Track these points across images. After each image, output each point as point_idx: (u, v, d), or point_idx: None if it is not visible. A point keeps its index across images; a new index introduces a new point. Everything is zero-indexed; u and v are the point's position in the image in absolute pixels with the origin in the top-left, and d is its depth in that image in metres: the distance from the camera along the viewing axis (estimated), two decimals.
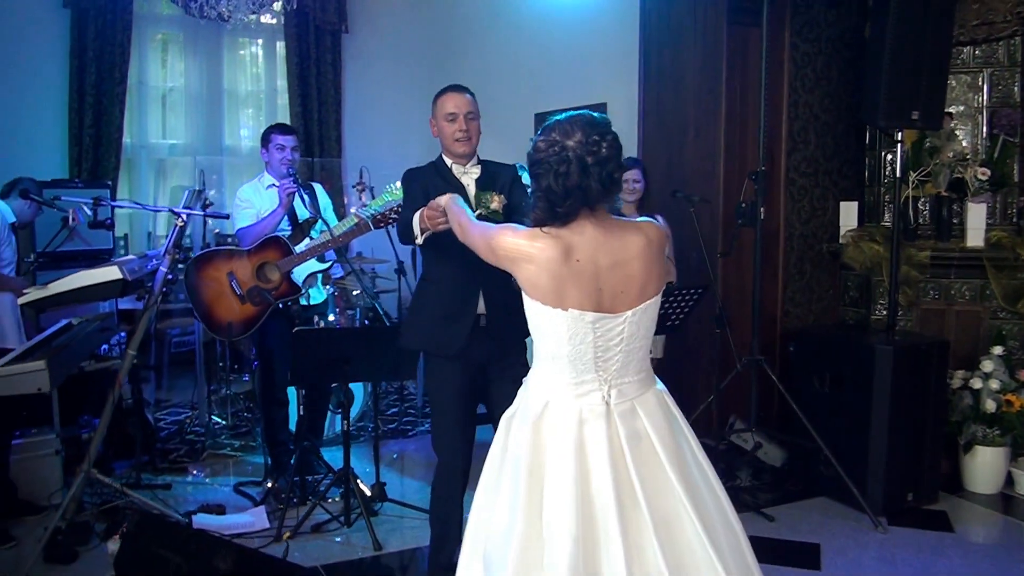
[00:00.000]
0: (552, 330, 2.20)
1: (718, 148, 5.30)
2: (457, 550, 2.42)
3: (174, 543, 3.21)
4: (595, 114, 2.24)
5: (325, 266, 4.65)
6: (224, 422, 5.85)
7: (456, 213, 2.66)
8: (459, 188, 3.28)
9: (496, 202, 3.20)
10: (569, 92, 6.58)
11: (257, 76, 8.42)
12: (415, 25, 8.43)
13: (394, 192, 4.13)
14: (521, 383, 2.39)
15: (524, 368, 2.53)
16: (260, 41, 8.38)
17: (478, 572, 2.21)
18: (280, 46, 8.26)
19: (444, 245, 3.05)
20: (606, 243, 2.20)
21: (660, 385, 2.36)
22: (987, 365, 4.82)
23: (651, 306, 2.26)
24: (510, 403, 2.38)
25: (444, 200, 2.82)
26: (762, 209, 4.61)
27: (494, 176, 3.41)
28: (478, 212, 3.14)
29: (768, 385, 4.65)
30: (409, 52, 8.41)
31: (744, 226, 4.72)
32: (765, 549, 4.05)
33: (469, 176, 3.36)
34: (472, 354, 3.27)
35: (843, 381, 4.61)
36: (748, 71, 5.04)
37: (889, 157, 5.30)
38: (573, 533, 2.05)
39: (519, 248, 2.19)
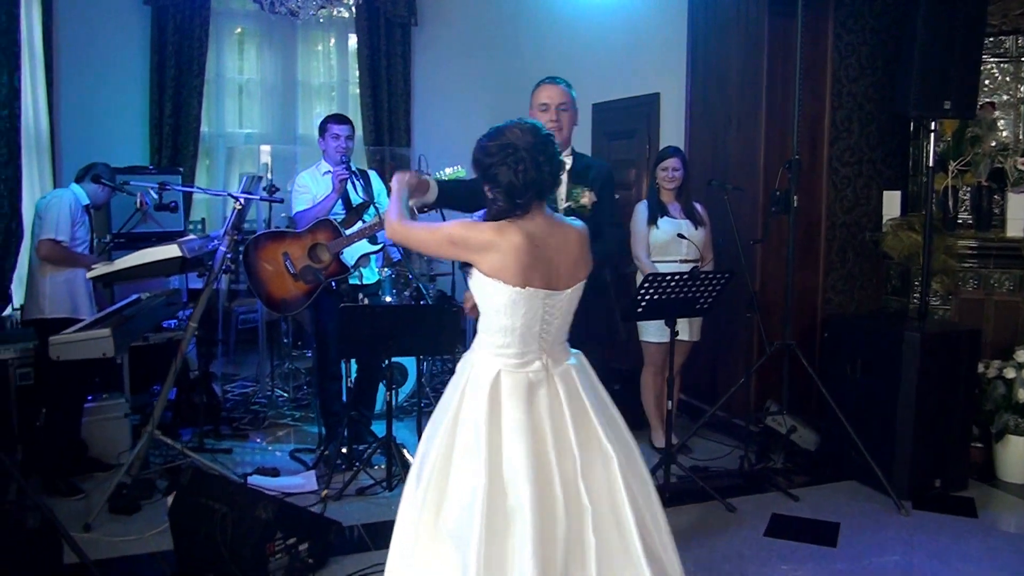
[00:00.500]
0: (509, 306, 2.48)
1: (759, 138, 5.41)
2: None
3: (222, 495, 3.52)
4: (528, 120, 2.58)
5: (376, 248, 4.93)
6: (286, 395, 6.21)
7: (393, 202, 2.79)
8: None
9: (587, 198, 3.27)
10: (623, 84, 6.77)
11: (330, 68, 8.73)
12: (480, 19, 8.63)
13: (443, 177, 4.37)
14: None
15: None
16: (332, 34, 8.69)
17: (449, 549, 2.37)
18: (352, 39, 8.55)
19: None
20: (552, 230, 2.54)
21: (574, 351, 2.70)
22: (1021, 355, 4.85)
23: (582, 286, 2.62)
24: None
25: (402, 178, 2.89)
26: (795, 197, 4.73)
27: (586, 169, 3.52)
28: (567, 204, 3.22)
29: (804, 370, 4.76)
30: (474, 45, 8.62)
31: (779, 214, 4.85)
32: (784, 526, 4.20)
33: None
34: None
35: (873, 367, 4.70)
36: (790, 63, 5.14)
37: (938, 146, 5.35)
38: (531, 477, 2.33)
39: (488, 240, 2.44)
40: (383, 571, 2.52)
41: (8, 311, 5.32)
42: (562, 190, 3.33)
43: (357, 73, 8.52)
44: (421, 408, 5.22)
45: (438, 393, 6.18)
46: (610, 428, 2.54)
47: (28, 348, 4.73)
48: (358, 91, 8.54)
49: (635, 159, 6.79)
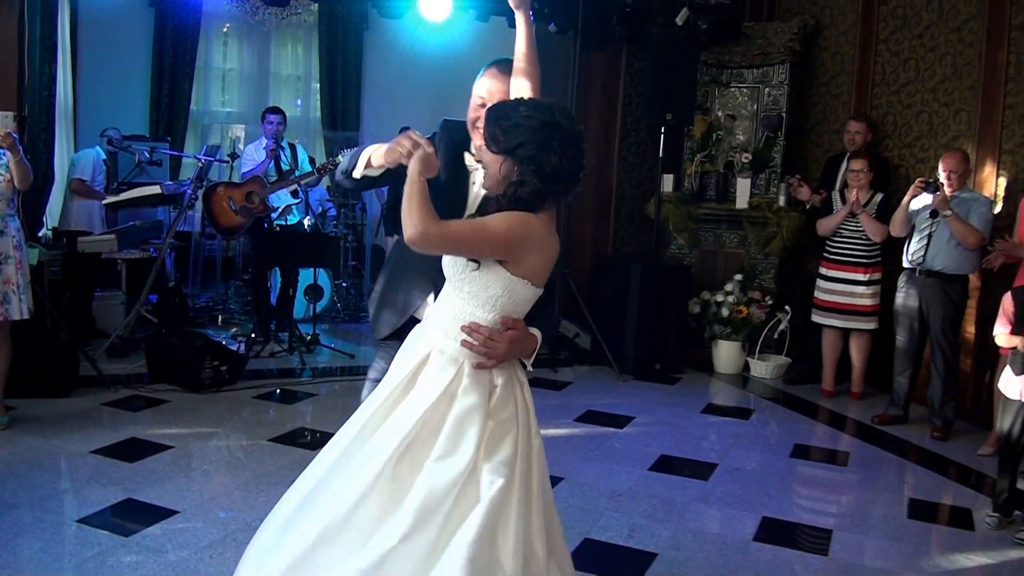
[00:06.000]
0: (519, 304, 2.30)
1: None
2: None
3: (177, 335, 5.93)
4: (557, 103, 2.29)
5: (296, 200, 7.29)
6: (236, 305, 8.57)
7: (414, 200, 2.21)
8: (461, 178, 2.71)
9: None
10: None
11: (297, 62, 10.88)
12: (423, 24, 10.51)
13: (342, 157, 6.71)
14: None
15: None
16: (300, 34, 10.83)
17: (430, 532, 2.10)
18: (315, 39, 10.74)
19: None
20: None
21: None
22: (728, 287, 7.17)
23: None
24: None
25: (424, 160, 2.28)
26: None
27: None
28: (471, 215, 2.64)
29: (585, 293, 7.06)
30: (417, 46, 10.52)
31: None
32: (533, 382, 6.53)
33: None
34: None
35: (617, 291, 7.03)
36: (593, 81, 7.41)
37: (688, 143, 7.66)
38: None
39: (543, 241, 2.23)
40: (271, 392, 4.53)
41: (43, 231, 7.66)
42: (477, 192, 2.66)
43: (318, 67, 10.73)
44: (316, 311, 7.58)
45: (347, 306, 8.57)
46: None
47: (58, 254, 7.07)
48: (318, 84, 10.75)
49: None
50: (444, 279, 2.39)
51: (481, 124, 2.39)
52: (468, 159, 2.68)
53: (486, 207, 2.45)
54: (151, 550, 3.58)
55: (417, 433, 2.19)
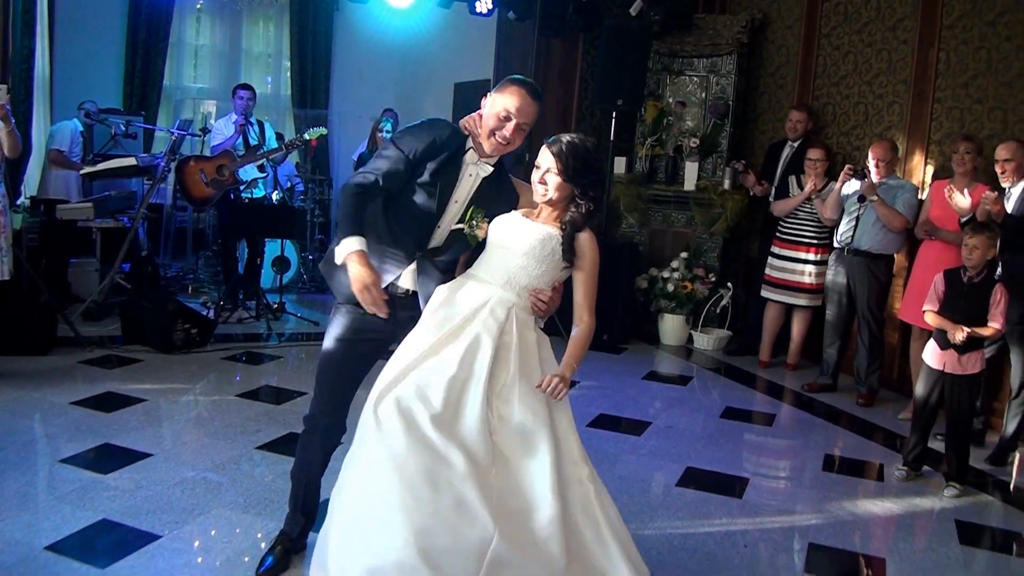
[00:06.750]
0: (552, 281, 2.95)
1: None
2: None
3: (149, 299, 6.25)
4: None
5: (263, 175, 7.63)
6: (206, 274, 8.89)
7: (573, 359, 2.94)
8: (448, 188, 2.98)
9: (483, 231, 2.96)
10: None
11: (268, 41, 11.16)
12: (389, 9, 11.01)
13: (309, 135, 7.06)
14: None
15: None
16: (272, 13, 11.12)
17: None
18: (286, 19, 11.05)
19: (406, 205, 2.99)
20: None
21: None
22: (675, 263, 7.60)
23: None
24: None
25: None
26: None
27: (499, 192, 3.06)
28: (459, 226, 2.98)
29: None
30: (384, 27, 10.91)
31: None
32: None
33: (482, 171, 3.01)
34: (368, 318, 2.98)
35: None
36: (550, 67, 7.78)
37: (640, 128, 8.05)
38: None
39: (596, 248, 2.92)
40: (239, 354, 4.99)
41: (21, 200, 7.93)
42: (453, 214, 3.00)
43: (288, 47, 11.03)
44: (283, 282, 7.93)
45: (312, 278, 8.89)
46: None
47: (36, 222, 7.35)
48: (288, 63, 11.05)
49: None
50: (421, 254, 3.01)
51: (501, 134, 2.91)
52: (469, 156, 3.00)
53: (484, 189, 3.01)
54: (126, 487, 3.94)
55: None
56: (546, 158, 2.86)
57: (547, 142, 2.87)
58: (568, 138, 2.88)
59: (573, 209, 2.88)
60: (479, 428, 2.67)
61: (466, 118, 3.06)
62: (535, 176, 2.90)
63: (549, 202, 2.90)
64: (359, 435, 2.70)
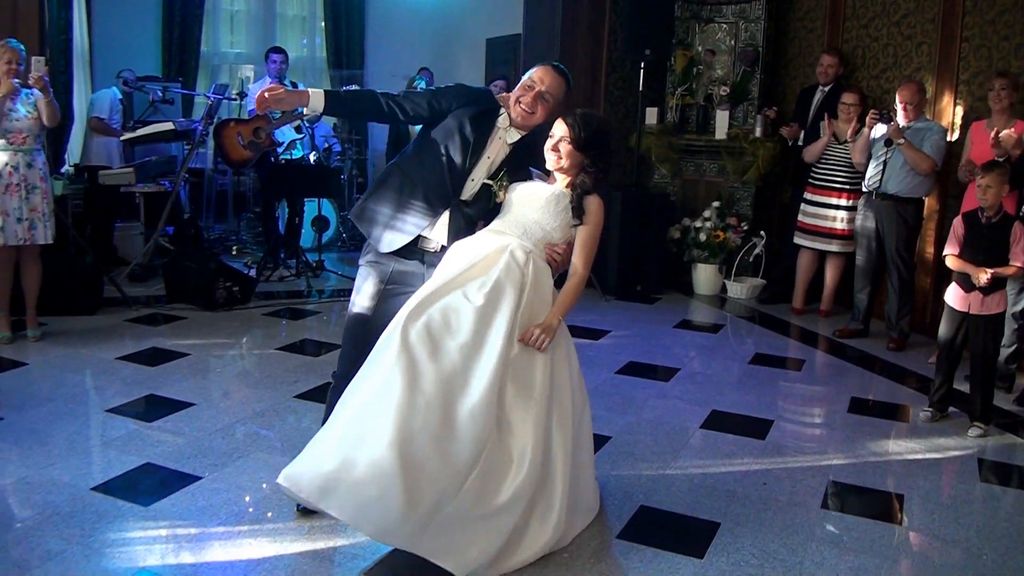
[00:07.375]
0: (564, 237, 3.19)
1: None
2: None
3: (192, 258, 6.46)
4: None
5: (300, 136, 7.77)
6: (248, 234, 9.10)
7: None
8: (482, 141, 3.23)
9: (503, 195, 3.20)
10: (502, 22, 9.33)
11: (302, 3, 11.28)
12: None
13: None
14: None
15: None
16: None
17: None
18: None
19: (431, 152, 3.25)
20: None
21: None
22: (707, 213, 7.63)
23: None
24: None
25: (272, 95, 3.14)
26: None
27: (525, 157, 3.32)
28: (489, 182, 3.20)
29: None
30: None
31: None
32: None
33: (510, 136, 3.26)
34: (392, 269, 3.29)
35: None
36: (578, 22, 7.82)
37: (670, 78, 8.05)
38: None
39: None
40: (280, 310, 5.19)
41: (64, 168, 8.18)
42: (485, 169, 3.25)
43: (322, 9, 11.11)
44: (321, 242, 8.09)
45: (351, 236, 9.07)
46: None
47: (79, 188, 7.57)
48: (323, 24, 11.15)
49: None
50: (455, 202, 3.23)
51: (524, 100, 3.18)
52: (501, 120, 3.25)
53: (514, 155, 3.27)
54: (170, 433, 4.14)
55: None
56: (560, 128, 3.11)
57: (562, 115, 3.12)
58: (582, 111, 3.14)
59: (584, 175, 3.13)
60: (494, 367, 2.91)
61: (501, 94, 3.40)
62: (548, 144, 3.14)
63: (560, 169, 3.15)
64: (382, 343, 2.93)
